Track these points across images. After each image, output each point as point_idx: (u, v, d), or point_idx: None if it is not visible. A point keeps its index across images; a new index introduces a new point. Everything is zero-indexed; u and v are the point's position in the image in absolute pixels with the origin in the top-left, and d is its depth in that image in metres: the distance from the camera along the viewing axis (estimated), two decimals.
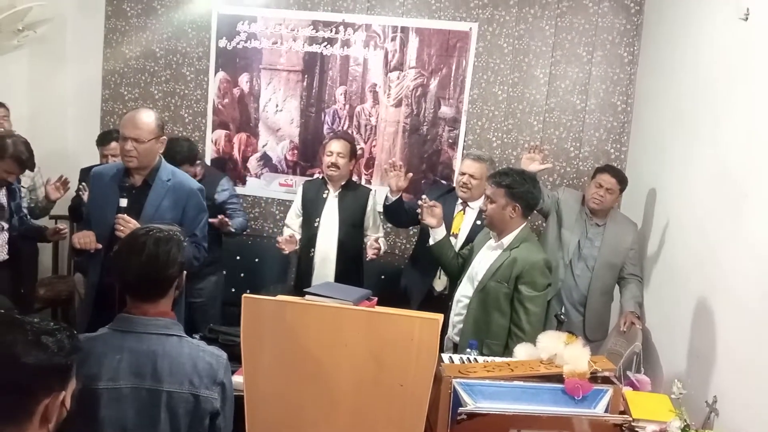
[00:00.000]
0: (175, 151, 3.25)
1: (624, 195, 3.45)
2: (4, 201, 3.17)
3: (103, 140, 3.82)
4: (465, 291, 2.72)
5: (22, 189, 3.49)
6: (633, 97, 4.06)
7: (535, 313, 2.57)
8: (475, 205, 3.30)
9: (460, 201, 3.33)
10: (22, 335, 1.20)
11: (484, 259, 2.69)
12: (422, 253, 3.21)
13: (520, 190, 2.63)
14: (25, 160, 3.09)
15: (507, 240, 2.65)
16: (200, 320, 3.36)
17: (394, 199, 3.29)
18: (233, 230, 3.44)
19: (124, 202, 2.60)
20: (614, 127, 4.11)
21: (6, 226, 3.15)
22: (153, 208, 2.64)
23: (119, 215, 2.56)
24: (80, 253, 2.71)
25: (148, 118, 2.67)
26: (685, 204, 2.82)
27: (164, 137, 2.76)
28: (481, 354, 2.39)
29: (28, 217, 3.40)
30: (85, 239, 2.62)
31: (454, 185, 3.46)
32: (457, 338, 2.71)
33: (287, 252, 3.39)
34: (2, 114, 3.61)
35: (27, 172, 3.65)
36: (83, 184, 3.51)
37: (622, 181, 3.28)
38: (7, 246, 3.19)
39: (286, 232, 3.50)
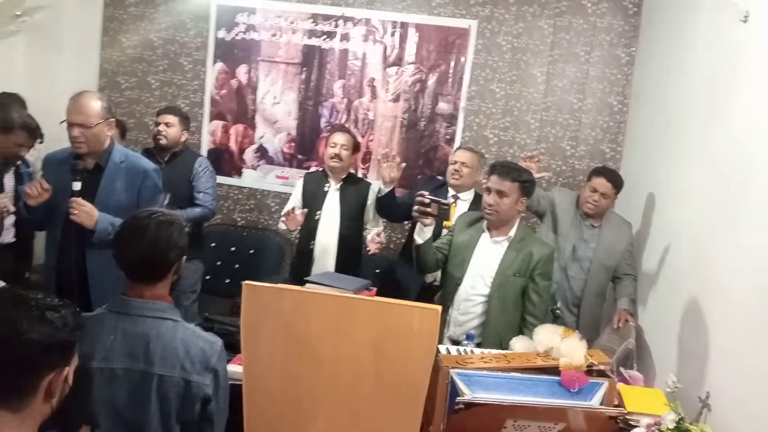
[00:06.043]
0: None
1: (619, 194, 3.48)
2: (12, 184, 3.13)
3: None
4: (475, 289, 2.68)
5: (30, 174, 3.44)
6: (629, 97, 4.09)
7: (546, 301, 2.67)
8: (466, 197, 3.40)
9: (451, 194, 3.38)
10: (26, 311, 1.20)
11: (490, 255, 2.68)
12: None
13: (531, 186, 2.71)
14: (34, 128, 3.02)
15: (512, 233, 2.68)
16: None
17: (386, 191, 3.29)
18: None
19: (77, 186, 2.51)
20: (610, 127, 4.14)
21: (12, 209, 3.10)
22: (107, 191, 2.60)
23: (73, 199, 2.49)
24: None
25: (92, 101, 2.58)
26: (680, 204, 2.84)
27: (112, 119, 2.69)
28: (501, 348, 2.38)
29: None
30: None
31: (440, 178, 3.51)
32: (462, 337, 2.70)
33: (293, 230, 3.34)
34: None
35: (29, 157, 3.60)
36: None
37: (618, 185, 3.25)
38: (14, 228, 3.15)
39: (286, 210, 3.39)
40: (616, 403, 2.06)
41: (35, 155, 3.43)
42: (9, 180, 3.12)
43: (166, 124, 3.53)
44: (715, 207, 2.39)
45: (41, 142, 3.24)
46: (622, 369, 2.61)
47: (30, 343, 1.18)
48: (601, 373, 2.06)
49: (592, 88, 4.13)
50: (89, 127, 2.55)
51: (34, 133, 3.03)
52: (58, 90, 4.41)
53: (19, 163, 3.19)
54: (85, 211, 2.48)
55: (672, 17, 3.39)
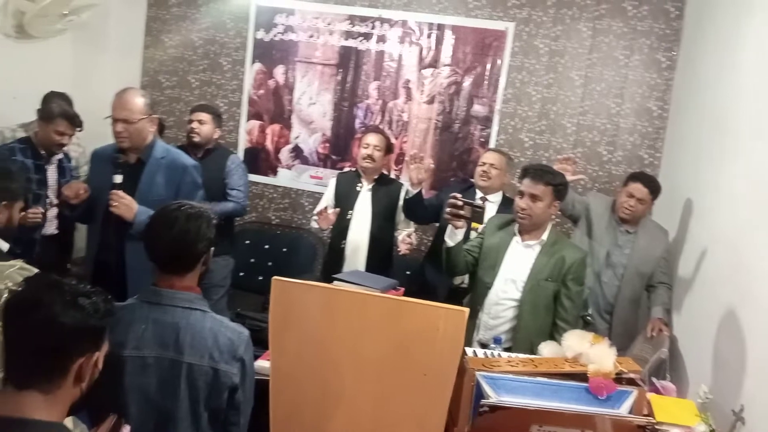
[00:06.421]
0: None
1: (656, 200, 3.41)
2: (55, 176, 3.23)
3: None
4: (507, 293, 2.66)
5: (72, 169, 3.55)
6: (669, 102, 4.00)
7: (579, 306, 2.65)
8: (494, 199, 3.36)
9: (479, 196, 3.35)
10: (59, 296, 1.24)
11: (521, 258, 2.65)
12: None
13: (564, 189, 2.68)
14: (73, 116, 3.12)
15: (544, 237, 2.65)
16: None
17: (414, 192, 3.29)
18: None
19: (119, 179, 2.60)
20: (649, 132, 4.06)
21: (56, 201, 3.20)
22: (147, 185, 2.67)
23: (114, 191, 2.57)
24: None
25: (136, 98, 2.66)
26: (720, 212, 2.77)
27: (155, 116, 2.77)
28: (532, 354, 2.36)
29: None
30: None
31: (473, 180, 3.48)
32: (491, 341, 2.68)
33: (325, 228, 3.36)
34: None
35: (72, 153, 3.71)
36: None
37: (655, 191, 3.19)
38: (56, 221, 3.25)
39: (318, 209, 3.41)
40: (645, 412, 2.02)
41: (79, 151, 3.55)
42: (52, 173, 3.23)
43: (200, 122, 3.60)
44: (761, 216, 2.31)
45: (81, 130, 3.32)
46: (654, 379, 2.55)
47: (62, 328, 1.21)
48: (631, 382, 2.02)
49: (631, 92, 4.06)
50: (132, 122, 2.62)
51: (73, 120, 3.13)
52: (102, 87, 4.54)
53: (61, 157, 3.29)
54: (125, 204, 2.55)
55: (715, 21, 3.30)
